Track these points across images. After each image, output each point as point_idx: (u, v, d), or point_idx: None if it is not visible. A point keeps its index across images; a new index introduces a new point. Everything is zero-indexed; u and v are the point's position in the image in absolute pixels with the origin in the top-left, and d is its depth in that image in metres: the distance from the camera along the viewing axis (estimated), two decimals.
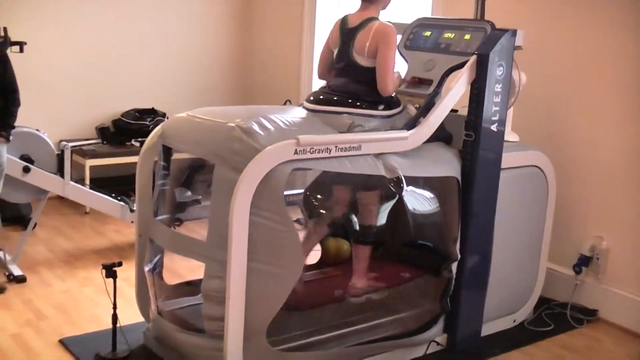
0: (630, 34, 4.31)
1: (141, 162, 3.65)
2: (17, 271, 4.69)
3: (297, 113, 3.55)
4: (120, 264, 3.64)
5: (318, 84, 6.48)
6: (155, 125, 6.46)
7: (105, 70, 6.60)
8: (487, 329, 4.11)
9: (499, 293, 4.07)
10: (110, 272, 3.62)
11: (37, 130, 4.91)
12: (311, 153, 3.14)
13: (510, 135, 4.09)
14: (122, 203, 5.15)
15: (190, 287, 3.85)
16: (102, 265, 3.63)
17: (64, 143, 5.12)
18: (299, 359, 3.36)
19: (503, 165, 3.87)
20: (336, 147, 3.23)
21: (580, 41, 4.55)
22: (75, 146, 5.47)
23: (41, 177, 4.82)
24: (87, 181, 5.75)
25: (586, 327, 4.37)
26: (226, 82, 7.37)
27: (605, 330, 4.37)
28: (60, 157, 5.00)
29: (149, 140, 3.63)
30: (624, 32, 4.33)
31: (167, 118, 6.66)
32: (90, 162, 5.99)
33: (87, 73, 6.50)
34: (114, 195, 5.18)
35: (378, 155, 3.39)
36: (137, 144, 6.35)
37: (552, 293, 4.60)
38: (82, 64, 6.47)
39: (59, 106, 6.34)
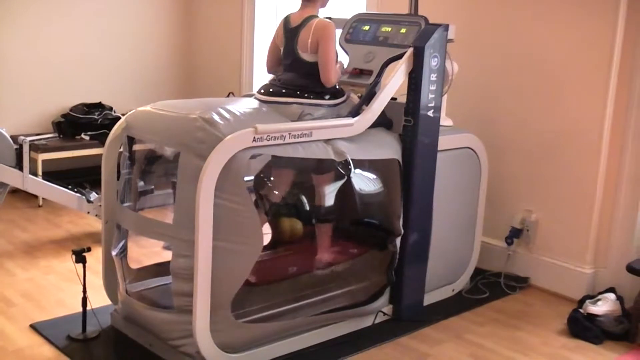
0: (551, 22, 4.70)
1: (106, 153, 3.88)
2: None
3: (250, 104, 3.83)
4: (89, 250, 3.88)
5: (259, 77, 6.83)
6: (104, 119, 6.70)
7: (54, 65, 6.76)
8: (429, 299, 4.45)
9: (438, 265, 4.41)
10: (79, 257, 3.85)
11: None
12: (267, 140, 3.43)
13: (445, 120, 4.43)
14: (78, 195, 5.34)
15: (155, 269, 4.11)
16: (72, 251, 3.85)
17: (23, 137, 5.28)
18: (260, 330, 3.63)
19: (439, 147, 4.21)
20: (290, 134, 3.53)
21: (506, 31, 4.93)
22: (33, 140, 5.65)
23: (1, 171, 5.00)
24: (40, 174, 5.91)
25: (519, 294, 4.77)
26: (171, 76, 7.60)
27: (536, 295, 4.77)
28: (19, 151, 5.18)
29: (113, 132, 3.87)
30: (546, 22, 4.72)
31: (115, 112, 6.87)
32: (42, 156, 6.15)
33: (36, 69, 6.65)
34: (70, 187, 5.37)
35: (327, 141, 3.70)
36: (87, 138, 6.54)
37: (487, 264, 4.98)
38: (31, 59, 6.62)
39: (10, 101, 6.49)
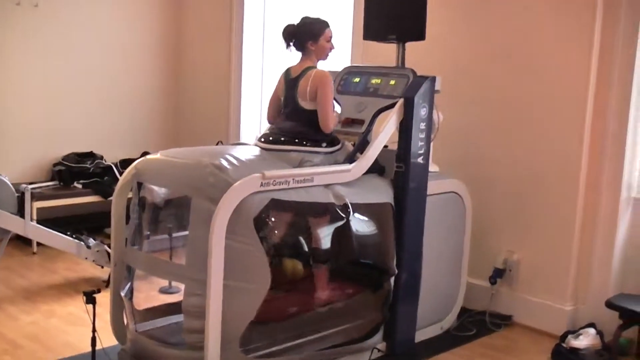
0: (527, 71, 5.03)
1: (116, 198, 4.11)
2: None
3: (253, 151, 4.08)
4: (99, 291, 4.06)
5: (246, 126, 7.09)
6: (96, 167, 6.90)
7: (46, 115, 6.97)
8: (419, 336, 4.67)
9: (427, 304, 4.63)
10: (90, 298, 4.03)
11: None
12: (274, 185, 3.68)
13: (432, 166, 4.70)
14: (77, 241, 5.50)
15: (162, 309, 4.32)
16: (83, 292, 4.01)
17: (25, 185, 5.46)
18: None
19: (428, 192, 4.49)
20: (293, 179, 3.78)
21: (485, 82, 5.25)
22: (34, 188, 5.82)
23: (3, 218, 5.16)
24: (35, 222, 6.05)
25: (504, 331, 5.01)
26: (159, 126, 7.84)
27: (520, 332, 5.02)
28: (20, 199, 5.35)
29: (123, 178, 4.10)
30: (523, 72, 5.06)
31: (105, 161, 7.08)
32: (37, 204, 6.29)
33: (28, 118, 6.86)
34: (69, 233, 5.54)
35: (327, 186, 3.96)
36: (80, 186, 6.74)
37: (472, 303, 5.22)
38: (24, 109, 6.84)
39: (5, 149, 6.68)
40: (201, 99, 7.70)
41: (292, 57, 4.36)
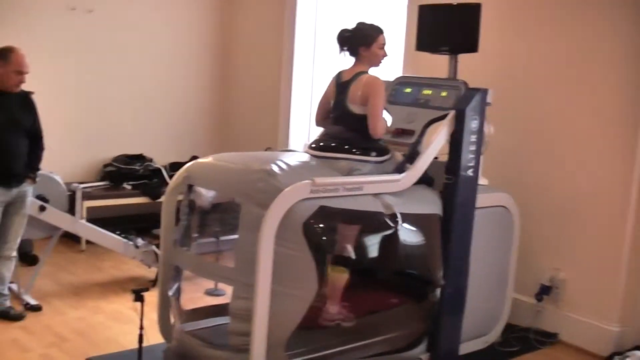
0: (579, 84, 4.99)
1: (167, 200, 4.17)
2: (32, 301, 5.11)
3: (303, 158, 4.12)
4: (147, 289, 4.12)
5: (295, 133, 7.11)
6: (145, 170, 6.99)
7: (98, 117, 7.11)
8: (463, 349, 4.64)
9: (472, 317, 4.60)
10: (139, 296, 4.08)
11: (51, 172, 5.36)
12: (323, 192, 3.70)
13: (481, 179, 4.69)
14: (125, 241, 5.59)
15: (207, 310, 4.39)
16: (132, 290, 4.06)
17: (76, 184, 5.56)
18: None
19: (476, 204, 4.48)
20: (343, 187, 3.80)
21: (537, 99, 5.22)
22: (85, 187, 5.92)
23: (55, 216, 5.25)
24: (84, 220, 6.15)
25: (548, 349, 4.96)
26: (208, 132, 7.94)
27: (564, 351, 4.97)
28: (71, 197, 5.45)
29: (173, 181, 4.16)
30: (580, 90, 5.02)
31: (154, 163, 7.17)
32: (87, 203, 6.40)
33: (80, 120, 7.00)
34: (118, 233, 5.63)
35: (376, 195, 3.97)
36: (129, 187, 6.83)
37: (517, 319, 5.17)
38: (77, 111, 6.98)
39: (59, 151, 6.77)
40: (251, 105, 7.76)
41: (344, 63, 4.38)
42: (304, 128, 7.30)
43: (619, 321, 4.89)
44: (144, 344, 4.11)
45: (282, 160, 3.85)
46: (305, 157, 4.15)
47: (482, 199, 4.53)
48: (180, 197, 4.19)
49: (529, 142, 5.29)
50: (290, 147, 7.10)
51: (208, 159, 4.06)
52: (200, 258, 4.11)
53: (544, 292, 5.14)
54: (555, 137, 5.14)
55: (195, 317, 4.30)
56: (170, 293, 4.15)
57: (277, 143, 7.24)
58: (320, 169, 3.97)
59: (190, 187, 4.12)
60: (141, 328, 4.09)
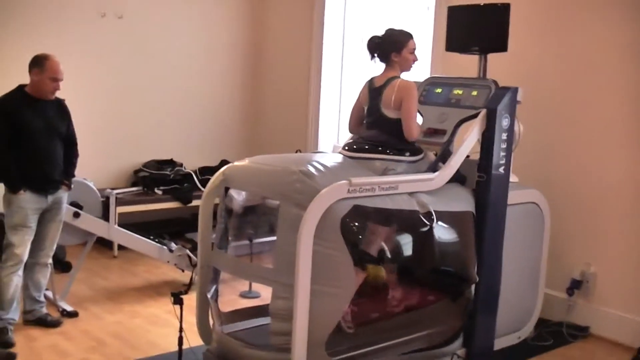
0: (607, 87, 5.04)
1: (204, 203, 4.23)
2: (68, 307, 5.20)
3: (337, 159, 4.18)
4: (186, 292, 4.20)
5: (325, 136, 7.18)
6: (176, 174, 7.07)
7: (128, 123, 7.23)
8: (497, 344, 4.69)
9: (505, 312, 4.65)
10: (177, 299, 4.16)
11: (85, 179, 5.44)
12: (360, 192, 3.75)
13: (512, 177, 4.74)
14: (159, 245, 5.67)
15: (246, 312, 4.46)
16: (171, 293, 4.16)
17: (110, 190, 5.65)
18: None
19: (508, 202, 4.52)
20: (379, 186, 3.86)
21: (565, 97, 5.27)
22: (119, 193, 6.01)
23: (89, 222, 5.34)
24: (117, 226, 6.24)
25: (580, 342, 5.03)
26: (237, 135, 8.06)
27: (596, 344, 5.03)
28: (105, 203, 5.53)
29: (210, 184, 4.22)
30: (606, 88, 5.06)
31: (185, 168, 7.26)
32: (119, 209, 6.48)
33: (111, 126, 7.12)
34: (151, 237, 5.71)
35: (411, 194, 4.03)
36: (160, 192, 6.92)
37: (549, 313, 5.23)
38: (107, 118, 7.10)
39: (90, 157, 6.86)
40: (279, 108, 7.85)
41: (372, 66, 4.46)
42: (332, 130, 7.38)
43: None
44: (184, 347, 4.22)
45: (317, 162, 3.91)
46: (340, 158, 4.20)
47: (513, 196, 4.58)
48: (217, 200, 4.26)
49: (557, 139, 5.35)
50: (320, 149, 7.17)
51: (244, 162, 4.13)
52: (239, 260, 4.18)
53: (575, 286, 5.20)
54: (583, 135, 5.21)
55: (234, 319, 4.36)
56: (209, 295, 4.21)
57: (307, 145, 7.32)
58: (356, 169, 4.03)
59: (227, 190, 4.19)
60: (181, 330, 4.19)
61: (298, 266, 3.55)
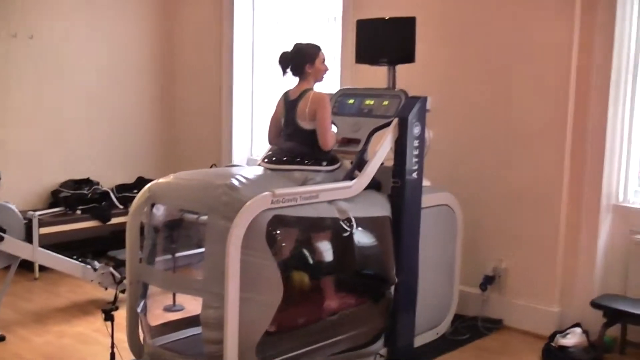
0: (513, 90, 5.35)
1: (130, 220, 4.34)
2: None
3: (258, 171, 4.35)
4: (117, 308, 4.29)
5: (238, 149, 7.33)
6: (93, 193, 7.10)
7: (43, 143, 7.18)
8: (417, 342, 4.93)
9: (424, 311, 4.88)
10: (108, 315, 4.24)
11: (7, 202, 5.43)
12: (283, 202, 3.94)
13: (424, 181, 4.98)
14: (83, 264, 5.70)
15: (174, 324, 4.58)
16: (102, 310, 4.25)
17: (31, 212, 5.65)
18: None
19: (422, 205, 4.77)
20: (301, 196, 4.05)
21: (472, 104, 5.57)
22: (41, 214, 6.01)
23: (13, 245, 5.32)
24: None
25: (495, 334, 5.30)
26: (152, 151, 8.07)
27: (510, 335, 5.32)
28: (28, 225, 5.53)
29: (136, 201, 4.33)
30: (512, 91, 5.37)
31: (101, 186, 7.29)
32: (41, 230, 6.44)
33: (25, 148, 7.06)
34: (75, 257, 5.73)
35: (331, 202, 4.23)
36: (79, 212, 6.93)
37: (465, 309, 5.49)
38: (21, 138, 7.05)
39: (7, 180, 6.81)
40: (193, 124, 7.94)
41: (281, 80, 4.66)
42: (246, 143, 7.53)
43: (558, 302, 5.27)
44: None
45: (241, 175, 4.07)
46: (261, 170, 4.37)
47: (427, 199, 4.83)
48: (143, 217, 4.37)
49: (466, 143, 5.63)
50: (234, 162, 7.31)
51: (169, 178, 4.25)
52: (169, 273, 4.30)
53: (487, 282, 5.47)
54: (491, 138, 5.49)
55: (165, 331, 4.47)
56: (138, 310, 4.31)
57: (221, 159, 7.44)
58: (277, 180, 4.21)
59: (152, 206, 4.30)
60: (112, 346, 4.27)
61: (227, 275, 3.70)
